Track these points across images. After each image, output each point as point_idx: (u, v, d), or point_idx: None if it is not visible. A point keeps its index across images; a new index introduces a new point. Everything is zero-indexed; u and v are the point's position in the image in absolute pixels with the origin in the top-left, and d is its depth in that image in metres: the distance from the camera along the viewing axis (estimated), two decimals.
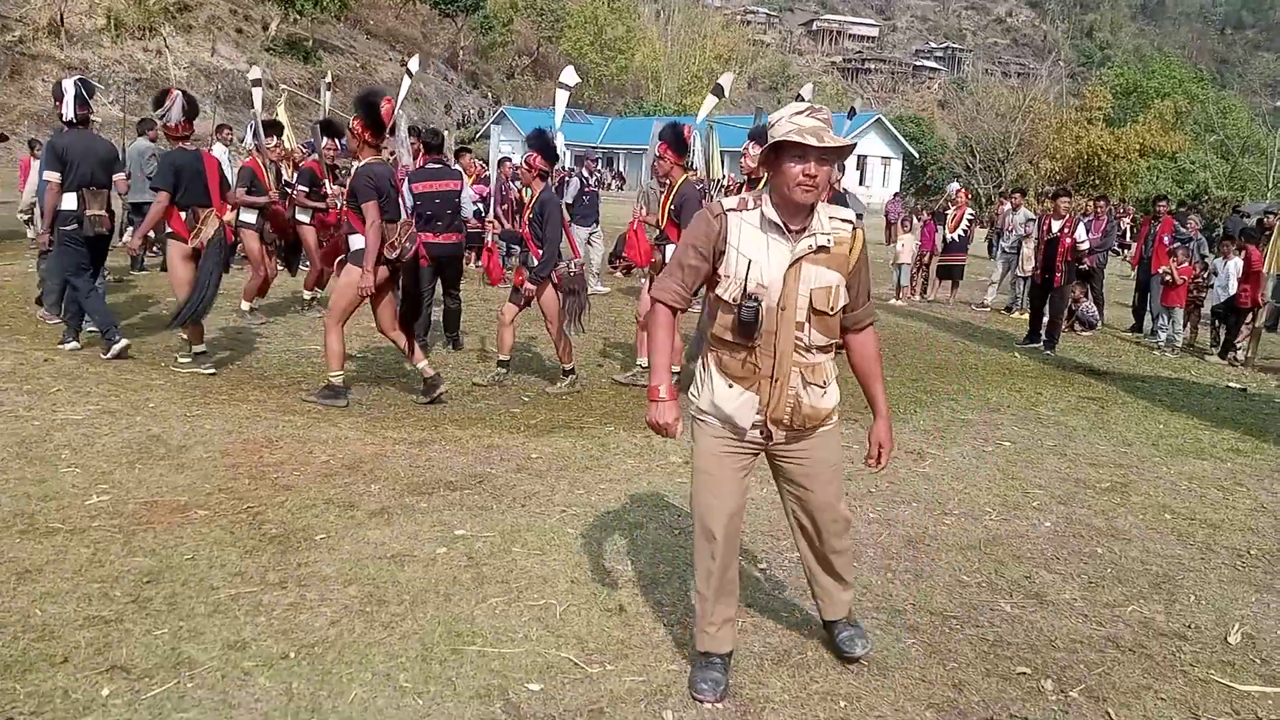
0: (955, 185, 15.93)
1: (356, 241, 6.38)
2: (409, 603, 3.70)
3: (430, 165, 8.33)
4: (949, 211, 14.81)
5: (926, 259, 15.28)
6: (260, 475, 5.02)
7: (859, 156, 49.57)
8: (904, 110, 62.68)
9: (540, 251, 6.93)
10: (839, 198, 9.29)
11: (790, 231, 2.97)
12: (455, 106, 56.06)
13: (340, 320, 6.52)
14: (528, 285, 7.04)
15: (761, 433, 3.11)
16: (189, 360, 7.28)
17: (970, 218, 14.41)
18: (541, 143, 7.12)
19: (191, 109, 7.20)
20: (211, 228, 7.05)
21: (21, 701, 2.88)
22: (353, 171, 6.50)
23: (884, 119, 52.30)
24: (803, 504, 3.30)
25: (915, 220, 15.44)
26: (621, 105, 62.54)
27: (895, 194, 35.06)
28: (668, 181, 7.39)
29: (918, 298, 15.00)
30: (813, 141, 2.84)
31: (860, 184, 48.88)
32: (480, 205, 13.24)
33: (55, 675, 3.03)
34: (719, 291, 3.01)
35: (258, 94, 9.18)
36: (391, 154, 7.98)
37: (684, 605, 3.80)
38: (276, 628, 3.45)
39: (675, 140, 7.33)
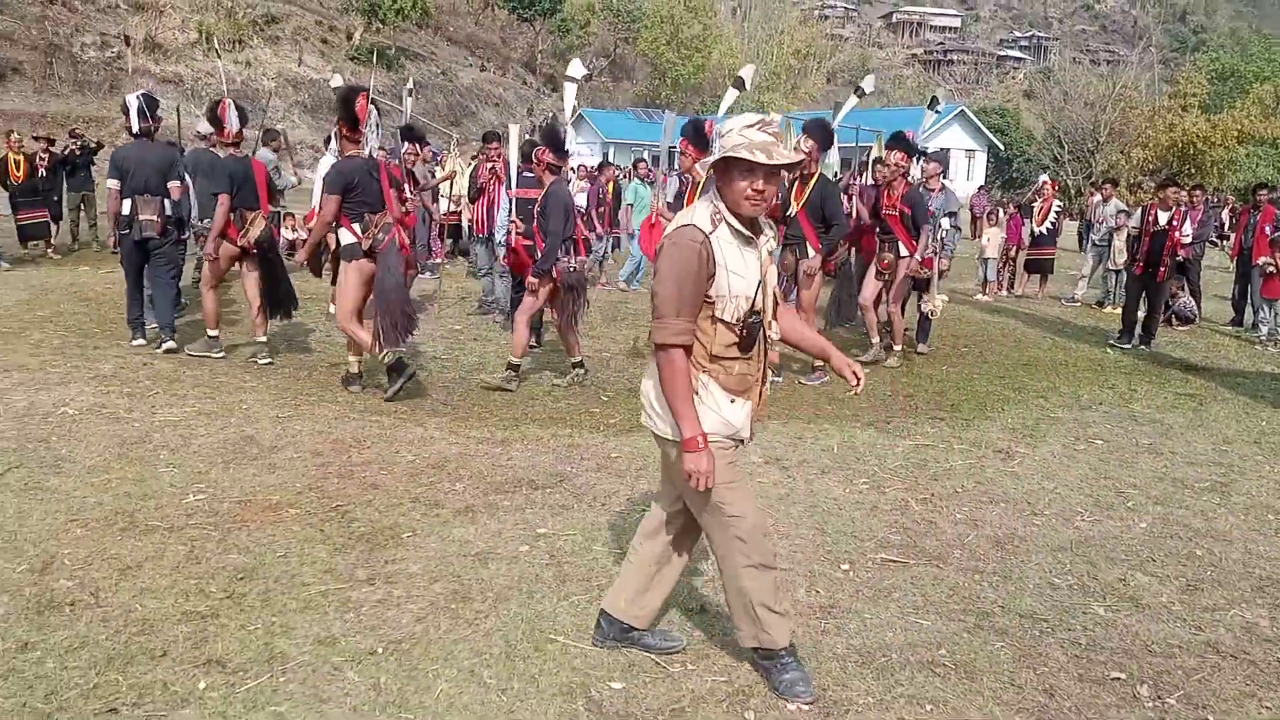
0: (1044, 177, 15.50)
1: (345, 236, 6.68)
2: (493, 600, 3.75)
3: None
4: (1036, 204, 14.43)
5: (1013, 253, 14.92)
6: (349, 474, 5.13)
7: (942, 149, 48.67)
8: (988, 102, 61.34)
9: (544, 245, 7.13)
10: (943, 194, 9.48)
11: (751, 238, 3.00)
12: (535, 110, 56.63)
13: (351, 317, 6.78)
14: (530, 279, 7.21)
15: (749, 437, 3.16)
16: (268, 361, 7.66)
17: (1058, 210, 14.03)
18: (551, 137, 7.28)
19: (242, 118, 7.75)
20: (258, 229, 7.55)
21: (124, 693, 2.99)
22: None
23: (967, 111, 51.24)
24: None
25: (1000, 214, 15.10)
26: (698, 104, 62.40)
27: (980, 187, 34.32)
28: (689, 177, 7.54)
29: (1005, 293, 14.67)
30: (762, 158, 2.82)
31: (944, 177, 48.03)
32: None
33: (155, 668, 3.15)
34: (717, 313, 2.95)
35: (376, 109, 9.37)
36: (382, 147, 8.12)
37: None
38: (365, 624, 3.52)
39: (696, 135, 7.41)
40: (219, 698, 3.01)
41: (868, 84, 9.84)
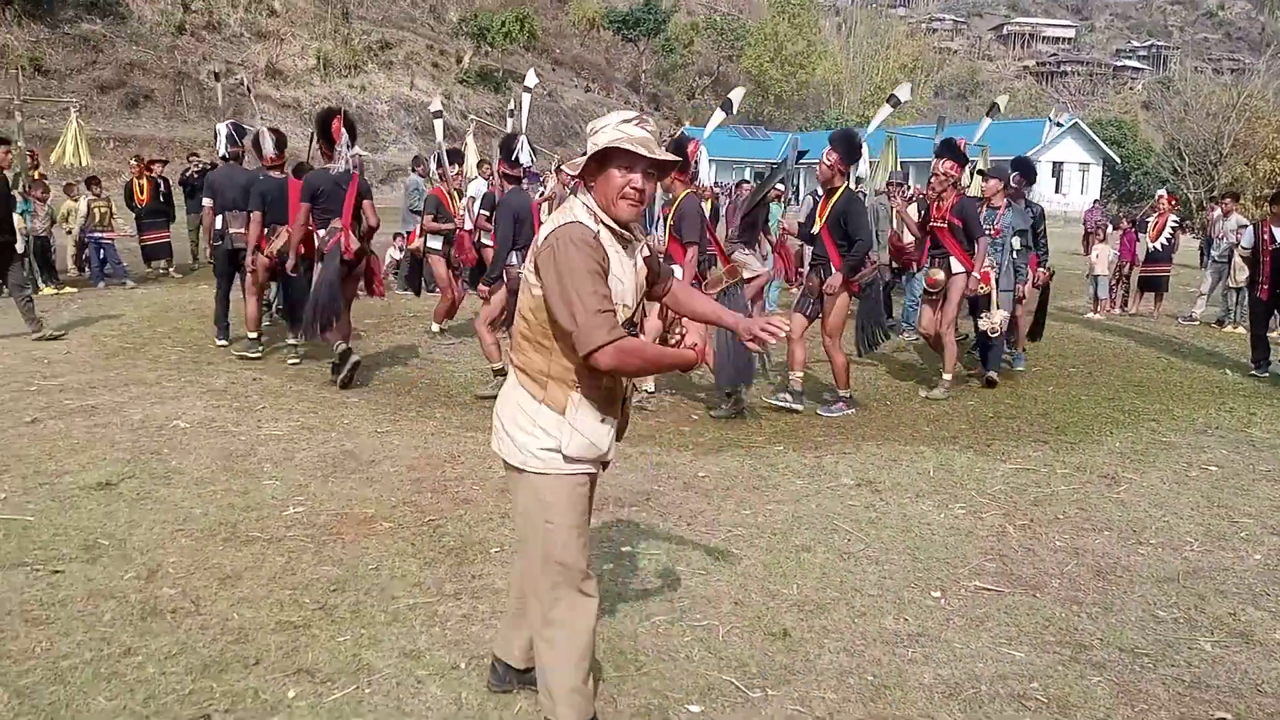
0: (1162, 191, 14.90)
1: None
2: None
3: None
4: (1150, 219, 13.89)
5: (1127, 270, 14.39)
6: (442, 489, 5.23)
7: (1053, 163, 47.33)
8: (1103, 114, 59.40)
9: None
10: (1040, 212, 9.07)
11: (630, 241, 2.79)
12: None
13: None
14: (481, 286, 7.47)
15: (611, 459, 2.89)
16: (297, 361, 8.40)
17: (1174, 224, 13.48)
18: (503, 148, 7.55)
19: (280, 142, 8.51)
20: (280, 240, 8.12)
21: (217, 699, 3.10)
22: None
23: (1081, 123, 49.71)
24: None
25: (1110, 229, 14.58)
26: (802, 120, 62.04)
27: (1095, 201, 33.22)
28: (670, 196, 7.25)
29: (1118, 311, 14.14)
30: (643, 151, 2.63)
31: (1056, 191, 46.60)
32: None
33: (248, 676, 3.25)
34: None
35: (439, 125, 9.66)
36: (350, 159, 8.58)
37: (851, 632, 3.71)
38: (450, 638, 3.58)
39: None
40: (306, 707, 3.09)
41: (903, 92, 9.35)
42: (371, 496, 5.08)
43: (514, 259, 7.21)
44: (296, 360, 8.36)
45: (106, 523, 4.55)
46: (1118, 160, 49.59)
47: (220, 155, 8.97)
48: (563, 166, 7.19)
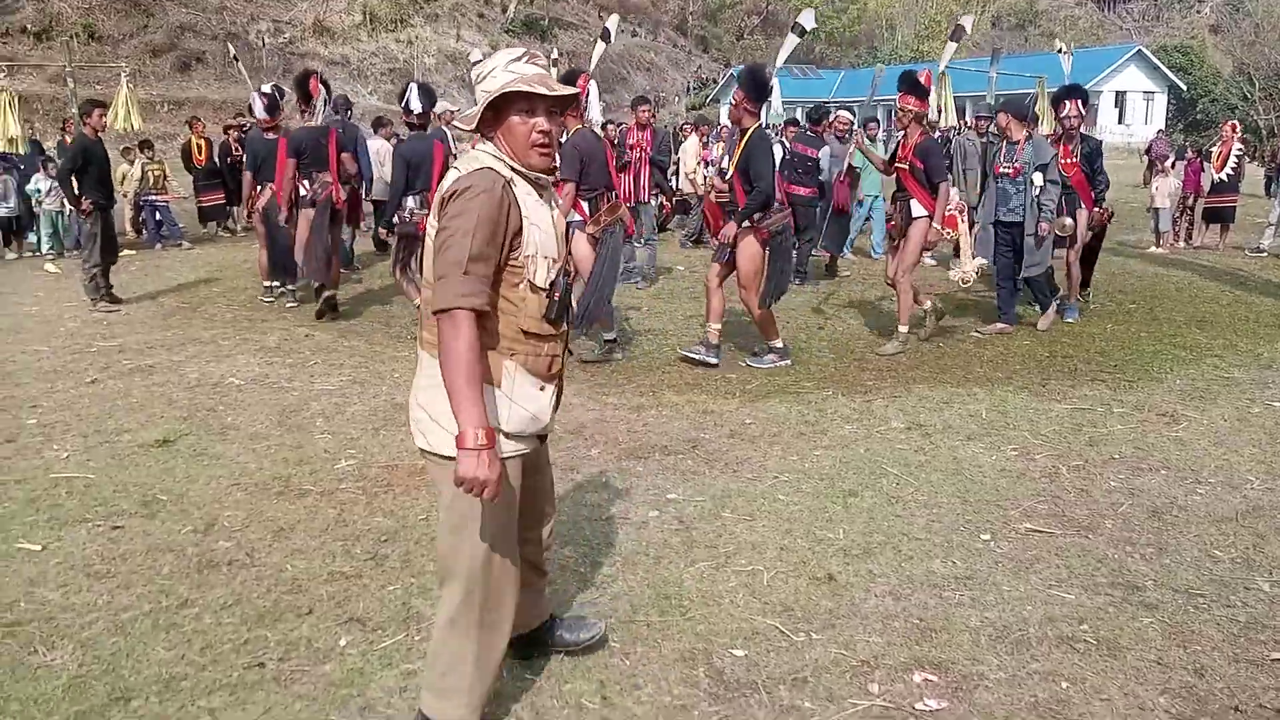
0: (1235, 120, 14.34)
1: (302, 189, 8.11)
2: (620, 564, 3.79)
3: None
4: (1214, 148, 13.39)
5: (1191, 201, 13.92)
6: None
7: (1117, 93, 45.83)
8: (1169, 39, 57.23)
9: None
10: (1097, 146, 8.49)
11: (546, 187, 2.61)
12: (685, 71, 56.39)
13: (298, 249, 8.35)
14: (381, 230, 8.19)
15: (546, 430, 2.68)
16: (294, 304, 8.92)
17: (1239, 153, 12.98)
18: (402, 98, 7.86)
19: (272, 104, 8.94)
20: (264, 198, 8.75)
21: (272, 648, 3.18)
22: None
23: (1145, 50, 47.91)
24: (542, 492, 2.86)
25: (1172, 159, 14.08)
26: (854, 57, 60.68)
27: (1159, 131, 32.14)
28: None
29: (1182, 245, 13.71)
30: (542, 90, 2.40)
31: (1120, 122, 45.15)
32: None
33: (301, 625, 3.33)
34: (531, 276, 2.48)
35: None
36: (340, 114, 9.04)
37: (898, 576, 3.68)
38: None
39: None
40: (358, 654, 3.16)
41: (807, 19, 8.45)
42: None
43: (409, 203, 7.61)
44: (294, 304, 8.94)
45: (164, 479, 4.67)
46: (1184, 88, 47.84)
47: (259, 121, 9.26)
48: (454, 121, 6.97)
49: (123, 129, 14.91)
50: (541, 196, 2.56)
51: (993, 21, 66.04)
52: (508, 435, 2.49)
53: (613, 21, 8.10)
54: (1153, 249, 13.18)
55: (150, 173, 13.27)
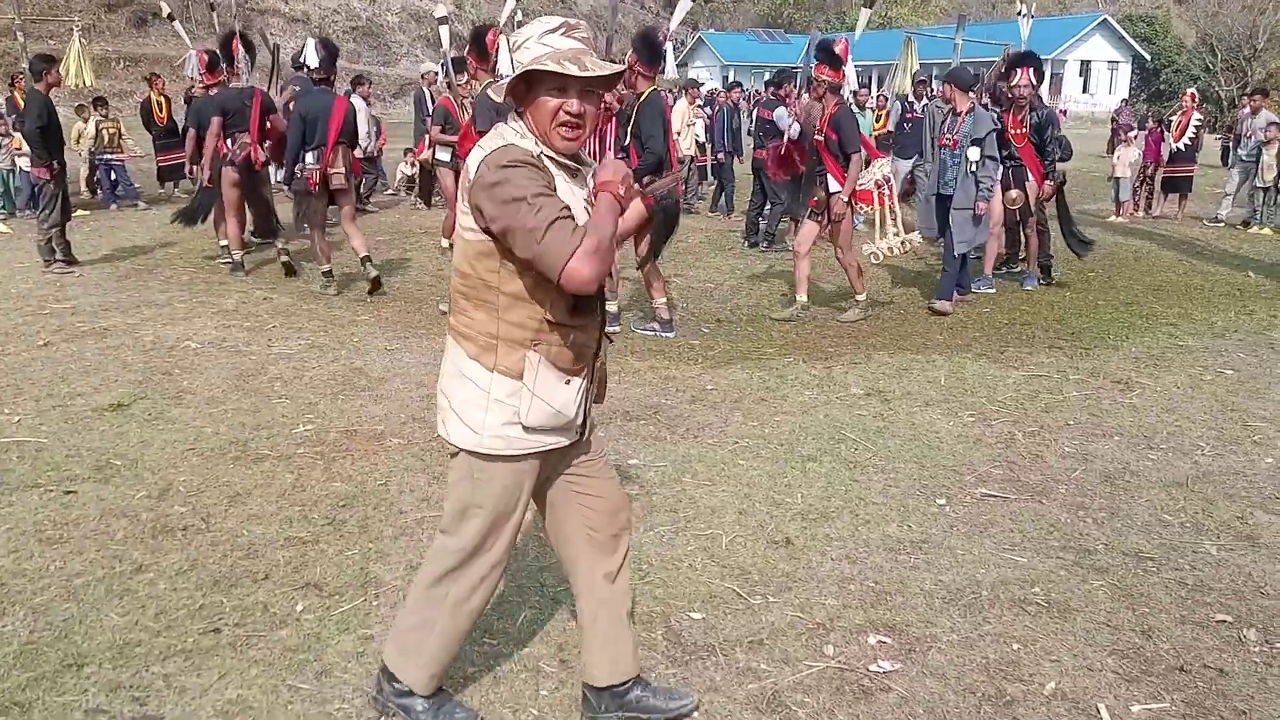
0: (1192, 90, 14.45)
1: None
2: None
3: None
4: (1174, 119, 13.51)
5: (1151, 171, 14.05)
6: None
7: (1081, 62, 46.04)
8: (1134, 9, 57.49)
9: None
10: (1048, 115, 8.35)
11: (577, 171, 2.38)
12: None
13: (230, 212, 8.55)
14: (281, 185, 8.69)
15: (581, 429, 2.49)
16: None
17: (1198, 124, 13.11)
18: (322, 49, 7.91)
19: (213, 61, 8.78)
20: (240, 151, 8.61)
21: (228, 614, 3.16)
22: None
23: (1110, 20, 48.13)
24: (595, 511, 2.58)
25: (1135, 129, 14.19)
26: (823, 22, 60.40)
27: (1123, 100, 32.36)
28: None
29: (1141, 214, 13.85)
30: (574, 70, 2.19)
31: (1084, 92, 45.40)
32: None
33: (257, 590, 3.31)
34: None
35: (444, 32, 9.40)
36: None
37: (854, 540, 3.72)
38: None
39: (476, 41, 7.22)
40: (314, 619, 3.15)
41: None
42: (380, 414, 5.11)
43: (307, 159, 7.61)
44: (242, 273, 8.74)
45: (118, 443, 4.60)
46: (1147, 58, 48.17)
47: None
48: (488, 91, 6.56)
49: (74, 85, 14.54)
50: (573, 180, 2.35)
51: None
52: (526, 429, 2.35)
53: None
54: (1112, 218, 13.31)
55: (105, 131, 12.97)
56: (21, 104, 11.16)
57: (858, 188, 7.13)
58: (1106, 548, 3.70)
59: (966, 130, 7.43)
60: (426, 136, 10.53)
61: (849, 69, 7.08)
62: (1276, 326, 7.23)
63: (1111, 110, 25.95)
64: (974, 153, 7.34)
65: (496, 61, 7.71)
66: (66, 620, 3.10)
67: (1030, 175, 8.19)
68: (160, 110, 13.57)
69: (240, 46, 8.86)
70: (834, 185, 7.08)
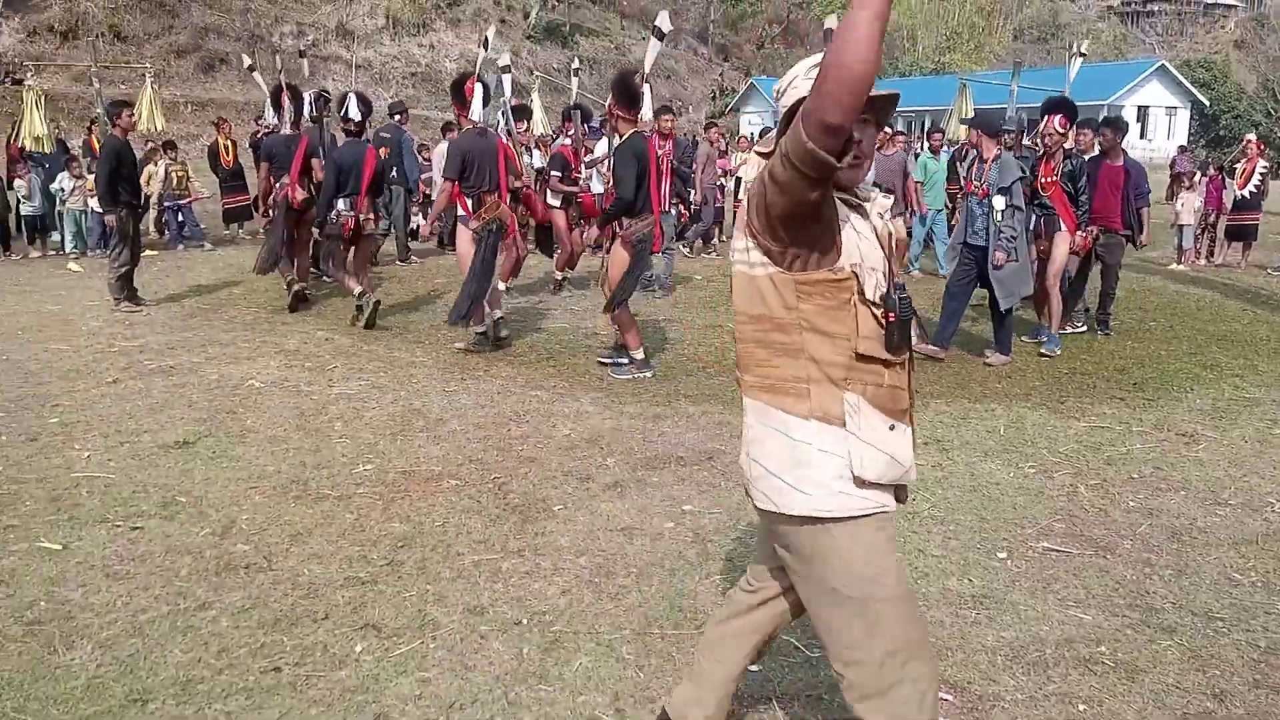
0: (1251, 136, 14.26)
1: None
2: (635, 576, 3.79)
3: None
4: (1238, 165, 13.31)
5: (1213, 219, 13.84)
6: (507, 447, 5.29)
7: (1139, 108, 45.58)
8: (1193, 54, 56.90)
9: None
10: (1081, 164, 7.85)
11: (860, 205, 2.21)
12: (706, 79, 56.46)
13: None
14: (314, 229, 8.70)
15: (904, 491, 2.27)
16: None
17: (1264, 171, 12.91)
18: (339, 102, 8.45)
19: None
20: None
21: (288, 653, 3.20)
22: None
23: (1168, 65, 47.72)
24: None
25: (1198, 176, 14.00)
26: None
27: (1181, 147, 31.93)
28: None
29: (1203, 262, 13.64)
30: None
31: (1142, 137, 44.91)
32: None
33: (317, 630, 3.34)
34: (867, 292, 2.10)
35: (507, 80, 9.59)
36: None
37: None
38: (512, 594, 3.63)
39: (457, 87, 7.51)
40: (372, 661, 3.17)
41: (663, 22, 8.26)
42: (438, 454, 5.16)
43: (339, 205, 8.11)
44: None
45: (183, 480, 4.70)
46: (1206, 104, 47.60)
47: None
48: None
49: (146, 129, 15.02)
50: (857, 213, 2.18)
51: (1015, 34, 65.92)
52: (865, 484, 2.10)
53: (663, 18, 7.83)
54: (1174, 266, 13.11)
55: (174, 174, 13.37)
56: (97, 147, 11.54)
57: None
58: (1175, 606, 3.61)
59: (993, 179, 7.18)
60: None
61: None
62: None
63: (1169, 156, 25.63)
64: (999, 201, 7.08)
65: (471, 107, 7.72)
66: (132, 655, 3.15)
67: (1063, 225, 7.88)
68: (227, 154, 13.96)
69: (287, 98, 9.57)
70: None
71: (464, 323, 7.30)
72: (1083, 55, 11.26)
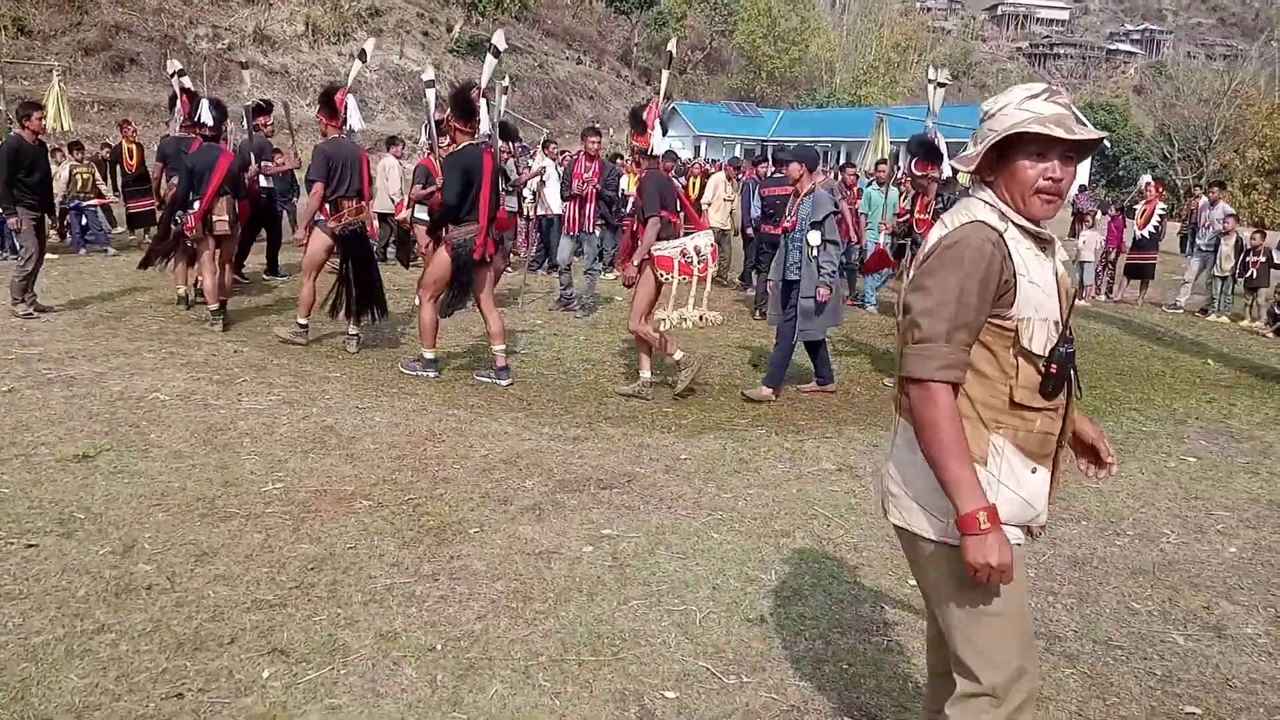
0: (1146, 178, 14.92)
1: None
2: (553, 600, 3.76)
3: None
4: (1139, 206, 13.91)
5: (1113, 256, 14.42)
6: (422, 468, 5.21)
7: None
8: (1095, 97, 59.35)
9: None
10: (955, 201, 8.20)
11: (1047, 243, 2.26)
12: (628, 101, 56.82)
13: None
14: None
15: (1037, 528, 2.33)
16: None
17: (1162, 213, 13.50)
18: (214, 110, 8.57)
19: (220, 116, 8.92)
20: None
21: (191, 679, 3.09)
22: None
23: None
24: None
25: (1100, 215, 14.58)
26: (794, 98, 61.80)
27: (1081, 186, 33.18)
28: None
29: (1103, 298, 14.19)
30: (1060, 133, 2.12)
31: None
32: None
33: (222, 655, 3.24)
34: (1027, 342, 2.16)
35: (431, 95, 9.51)
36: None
37: (827, 620, 3.72)
38: (426, 619, 3.57)
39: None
40: (280, 687, 3.08)
41: (499, 40, 7.98)
42: (351, 474, 5.06)
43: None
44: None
45: (82, 496, 4.51)
46: (1107, 145, 49.68)
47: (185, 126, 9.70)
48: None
49: (53, 128, 14.50)
50: (1044, 251, 2.24)
51: (926, 70, 67.70)
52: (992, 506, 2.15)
53: (499, 37, 7.91)
54: (1076, 301, 13.58)
55: (79, 176, 12.91)
56: None
57: (658, 253, 6.81)
58: (1076, 634, 3.72)
59: (805, 213, 6.89)
60: (406, 197, 10.62)
61: (655, 134, 7.18)
62: (1235, 415, 7.39)
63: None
64: (814, 237, 6.80)
65: (347, 116, 8.02)
66: (24, 681, 3.01)
67: None
68: (130, 157, 13.55)
69: (185, 100, 9.73)
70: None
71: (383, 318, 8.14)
72: (942, 85, 11.56)
